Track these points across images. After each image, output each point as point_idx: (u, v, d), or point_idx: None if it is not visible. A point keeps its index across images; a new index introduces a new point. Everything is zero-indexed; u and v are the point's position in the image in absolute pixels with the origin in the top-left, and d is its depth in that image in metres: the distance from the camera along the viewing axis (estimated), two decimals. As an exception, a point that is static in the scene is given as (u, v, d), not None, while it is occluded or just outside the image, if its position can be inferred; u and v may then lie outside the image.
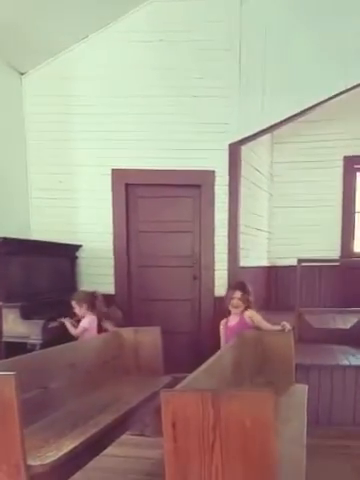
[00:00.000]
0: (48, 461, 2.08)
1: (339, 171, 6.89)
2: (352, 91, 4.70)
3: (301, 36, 4.66)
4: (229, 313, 4.23)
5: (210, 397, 1.70)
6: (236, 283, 4.34)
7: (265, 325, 4.01)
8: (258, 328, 4.01)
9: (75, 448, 2.25)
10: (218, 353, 2.90)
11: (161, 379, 3.55)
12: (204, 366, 2.55)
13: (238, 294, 4.18)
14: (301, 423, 2.65)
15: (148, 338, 3.77)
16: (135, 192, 4.97)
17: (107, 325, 4.32)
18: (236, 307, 4.14)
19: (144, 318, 4.91)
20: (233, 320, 4.20)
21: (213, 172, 4.89)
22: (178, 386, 2.06)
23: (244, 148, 5.06)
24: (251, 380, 3.25)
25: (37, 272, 4.27)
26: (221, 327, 4.28)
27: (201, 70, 4.79)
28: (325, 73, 4.64)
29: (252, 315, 4.11)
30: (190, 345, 5.05)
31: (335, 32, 4.59)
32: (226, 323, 4.24)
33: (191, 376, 2.27)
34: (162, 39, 4.75)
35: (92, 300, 4.15)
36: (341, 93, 4.70)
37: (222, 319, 4.25)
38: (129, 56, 4.80)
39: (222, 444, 1.71)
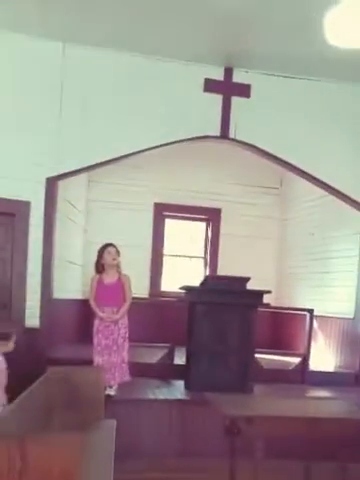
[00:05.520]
0: None
1: (150, 216, 7.35)
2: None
3: (120, 93, 4.95)
4: (102, 270, 4.14)
5: (16, 444, 1.61)
6: (106, 244, 4.24)
7: (129, 296, 4.12)
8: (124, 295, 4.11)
9: None
10: (28, 390, 2.76)
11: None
12: (13, 405, 2.41)
13: (113, 250, 4.11)
14: (109, 459, 2.66)
15: None
16: None
17: None
18: (114, 264, 4.11)
19: None
20: (109, 278, 4.11)
21: (29, 203, 4.76)
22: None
23: (61, 183, 5.05)
24: (61, 418, 3.15)
25: None
26: (94, 283, 4.14)
27: (22, 104, 4.74)
28: (138, 130, 4.96)
29: (127, 279, 4.16)
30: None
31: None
32: (100, 280, 4.12)
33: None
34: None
35: None
36: (151, 148, 5.06)
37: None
38: None
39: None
